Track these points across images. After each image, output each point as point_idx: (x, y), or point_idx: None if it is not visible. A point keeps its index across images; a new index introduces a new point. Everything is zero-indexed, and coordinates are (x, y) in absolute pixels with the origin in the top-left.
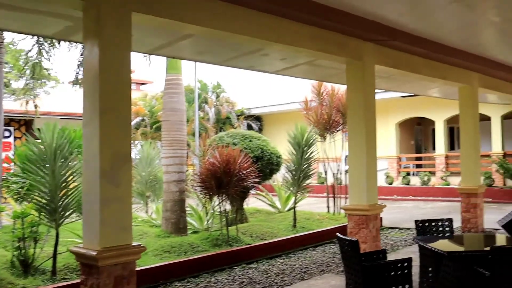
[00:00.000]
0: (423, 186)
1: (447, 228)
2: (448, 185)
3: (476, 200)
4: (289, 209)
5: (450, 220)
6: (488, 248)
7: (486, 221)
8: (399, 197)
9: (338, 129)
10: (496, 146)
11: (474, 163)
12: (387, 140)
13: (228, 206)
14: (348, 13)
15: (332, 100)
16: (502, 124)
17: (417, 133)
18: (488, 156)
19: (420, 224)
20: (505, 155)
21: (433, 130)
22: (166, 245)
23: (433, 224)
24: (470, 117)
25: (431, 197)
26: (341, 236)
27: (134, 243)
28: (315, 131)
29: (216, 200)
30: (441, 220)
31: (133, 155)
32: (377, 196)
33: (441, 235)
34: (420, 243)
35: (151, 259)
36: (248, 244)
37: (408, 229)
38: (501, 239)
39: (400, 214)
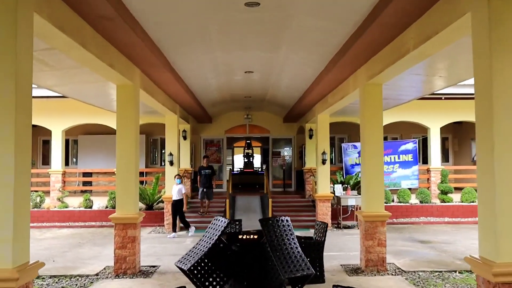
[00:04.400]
0: (35, 209)
1: None
2: (67, 207)
3: (134, 233)
4: None
5: None
6: None
7: None
8: None
9: None
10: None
11: (134, 184)
12: None
13: None
14: None
15: None
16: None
17: None
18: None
19: None
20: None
21: (45, 141)
22: None
23: None
24: (129, 123)
25: (46, 223)
26: None
27: None
28: None
29: None
30: None
31: None
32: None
33: None
34: None
35: None
36: None
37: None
38: None
39: None
